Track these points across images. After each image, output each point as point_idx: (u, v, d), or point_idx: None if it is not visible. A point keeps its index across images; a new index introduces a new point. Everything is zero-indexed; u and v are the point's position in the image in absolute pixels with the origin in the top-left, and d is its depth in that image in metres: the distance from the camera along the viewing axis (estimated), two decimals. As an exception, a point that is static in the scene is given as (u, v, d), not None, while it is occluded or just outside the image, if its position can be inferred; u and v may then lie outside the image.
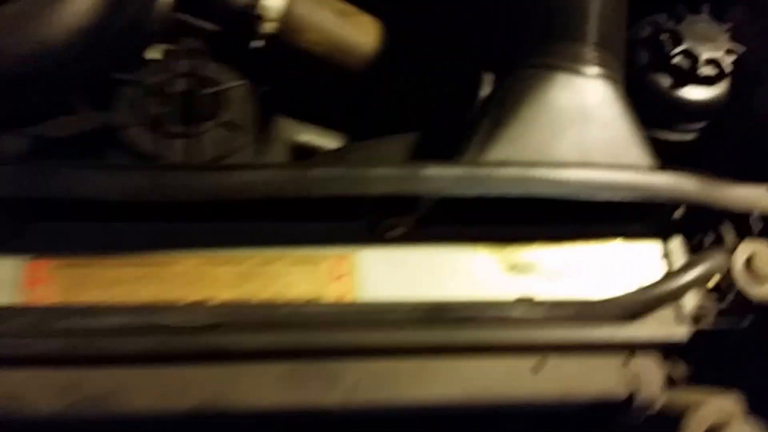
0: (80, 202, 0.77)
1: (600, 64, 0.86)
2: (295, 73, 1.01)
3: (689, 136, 0.96)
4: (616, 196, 0.80)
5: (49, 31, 0.84)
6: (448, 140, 0.89)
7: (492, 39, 1.02)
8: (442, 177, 0.77)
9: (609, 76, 0.86)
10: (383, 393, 0.78)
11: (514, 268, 0.85)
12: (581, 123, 0.84)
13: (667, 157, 0.87)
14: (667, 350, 0.84)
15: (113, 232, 0.81)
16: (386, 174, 0.77)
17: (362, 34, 1.02)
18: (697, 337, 0.85)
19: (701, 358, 0.88)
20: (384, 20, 1.04)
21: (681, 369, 0.88)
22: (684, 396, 0.84)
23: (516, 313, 0.80)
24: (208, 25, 0.93)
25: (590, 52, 0.86)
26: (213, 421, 0.78)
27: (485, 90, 1.01)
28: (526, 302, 0.81)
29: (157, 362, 0.75)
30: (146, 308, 0.77)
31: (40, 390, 0.74)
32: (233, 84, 0.84)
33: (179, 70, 0.84)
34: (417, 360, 0.79)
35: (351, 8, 1.03)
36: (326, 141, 1.01)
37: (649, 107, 0.91)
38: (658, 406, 0.83)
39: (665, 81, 0.95)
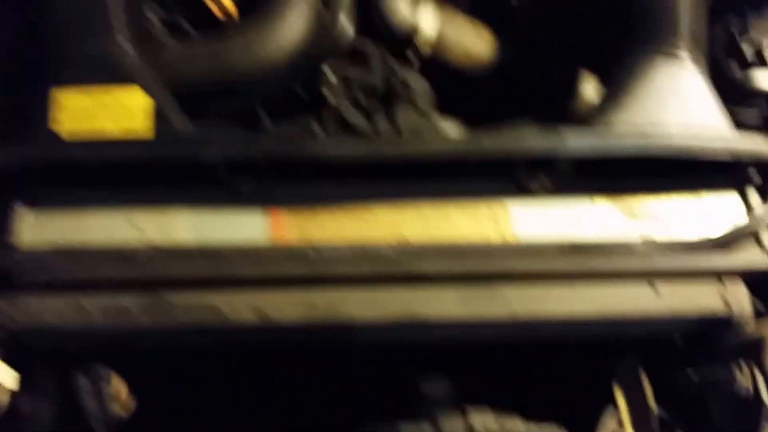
0: (309, 164, 1.02)
1: (690, 51, 1.12)
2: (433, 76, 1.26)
3: (756, 114, 1.20)
4: (714, 157, 1.05)
5: (270, 51, 1.09)
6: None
7: (587, 41, 1.26)
8: (578, 138, 1.04)
9: (697, 60, 1.13)
10: (536, 310, 1.02)
11: (633, 214, 1.08)
12: (678, 95, 1.10)
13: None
14: (754, 284, 1.05)
15: (328, 190, 1.06)
16: (536, 138, 1.04)
17: (485, 45, 1.27)
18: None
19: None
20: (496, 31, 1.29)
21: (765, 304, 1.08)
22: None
23: (637, 249, 1.04)
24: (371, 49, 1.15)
25: (683, 42, 1.12)
26: (409, 331, 1.02)
27: (584, 84, 1.27)
28: (643, 241, 1.05)
29: (369, 283, 1.00)
30: (362, 245, 1.02)
31: (286, 305, 0.99)
32: (416, 78, 1.10)
33: (376, 67, 1.10)
34: (562, 285, 1.02)
35: (477, 24, 1.28)
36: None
37: (723, 87, 1.15)
38: (750, 327, 1.04)
39: (735, 65, 1.21)
